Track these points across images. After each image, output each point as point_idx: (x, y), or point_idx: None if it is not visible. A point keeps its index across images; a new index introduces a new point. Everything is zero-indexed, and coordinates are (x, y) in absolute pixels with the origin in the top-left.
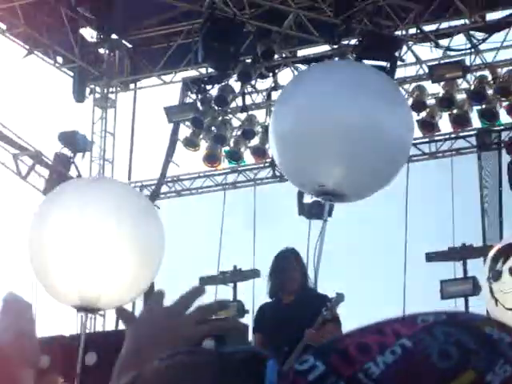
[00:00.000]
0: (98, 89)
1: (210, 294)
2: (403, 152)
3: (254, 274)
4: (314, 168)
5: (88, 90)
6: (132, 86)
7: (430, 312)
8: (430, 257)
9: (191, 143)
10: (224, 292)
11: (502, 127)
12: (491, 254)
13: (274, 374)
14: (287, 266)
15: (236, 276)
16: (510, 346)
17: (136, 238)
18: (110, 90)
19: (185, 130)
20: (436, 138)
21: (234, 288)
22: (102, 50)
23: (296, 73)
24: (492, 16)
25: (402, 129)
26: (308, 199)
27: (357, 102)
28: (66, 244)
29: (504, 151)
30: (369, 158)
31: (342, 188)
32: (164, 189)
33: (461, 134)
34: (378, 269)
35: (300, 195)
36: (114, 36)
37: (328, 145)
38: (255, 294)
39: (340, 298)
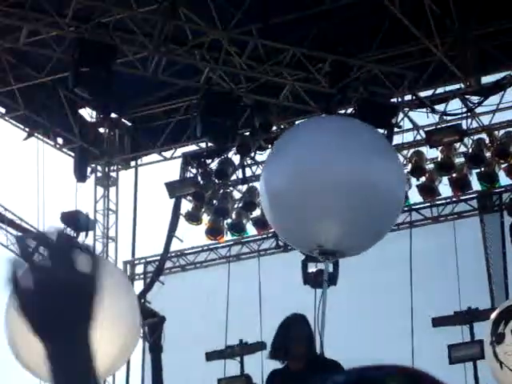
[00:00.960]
0: (99, 167)
1: (218, 369)
2: (398, 205)
3: (260, 346)
4: (311, 228)
5: (89, 169)
6: (133, 163)
7: (341, 372)
8: (437, 322)
9: (193, 217)
10: (232, 366)
11: (503, 189)
12: (492, 317)
13: None
14: (297, 326)
15: (243, 350)
16: None
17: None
18: (112, 168)
19: (187, 205)
20: (437, 203)
21: (241, 362)
22: (101, 129)
23: None
24: (487, 79)
25: (397, 183)
26: (313, 268)
27: (351, 158)
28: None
29: (506, 213)
30: (366, 215)
31: (341, 246)
32: (168, 264)
33: (462, 198)
34: (385, 335)
35: (304, 265)
36: (113, 115)
37: (325, 202)
38: (263, 367)
39: None
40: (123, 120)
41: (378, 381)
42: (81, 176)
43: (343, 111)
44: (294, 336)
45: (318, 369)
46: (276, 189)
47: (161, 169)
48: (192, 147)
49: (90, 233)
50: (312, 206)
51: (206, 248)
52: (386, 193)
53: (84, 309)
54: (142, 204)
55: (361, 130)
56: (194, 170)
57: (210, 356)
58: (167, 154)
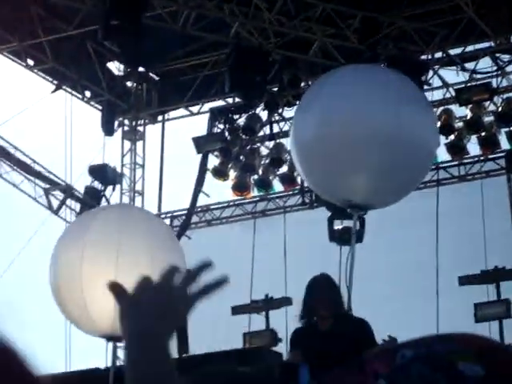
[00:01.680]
0: (126, 121)
1: (243, 323)
2: (430, 159)
3: (286, 301)
4: (341, 182)
5: (117, 123)
6: (160, 117)
7: (410, 344)
8: (463, 280)
9: (220, 173)
10: (257, 321)
11: None
12: None
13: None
14: (320, 289)
15: (268, 304)
16: (481, 381)
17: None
18: (139, 122)
19: (213, 160)
20: (465, 161)
21: (267, 317)
22: (129, 83)
23: None
24: None
25: (430, 134)
26: (339, 225)
27: (386, 108)
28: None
29: None
30: (397, 167)
31: (370, 201)
32: (194, 219)
33: (490, 157)
34: (411, 293)
35: (330, 222)
36: (140, 69)
37: (355, 155)
38: (288, 322)
39: (392, 343)
40: (151, 74)
41: (448, 356)
42: (108, 130)
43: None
44: (318, 299)
45: (343, 327)
46: (305, 140)
47: (188, 124)
48: (219, 102)
49: (117, 186)
50: (341, 159)
51: (232, 203)
52: (417, 146)
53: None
54: (169, 159)
55: (392, 79)
56: (221, 126)
57: (236, 310)
58: (194, 109)
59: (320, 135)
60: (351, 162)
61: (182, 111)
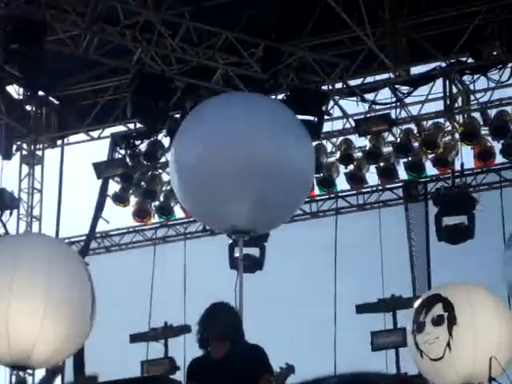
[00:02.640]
0: (25, 145)
1: (142, 351)
2: (307, 186)
3: (185, 329)
4: (224, 209)
5: (15, 147)
6: (59, 142)
7: (335, 375)
8: (360, 308)
9: (121, 199)
10: (156, 349)
11: (428, 179)
12: (415, 306)
13: None
14: (212, 317)
15: (167, 332)
16: None
17: (69, 292)
18: (38, 146)
19: (114, 186)
20: (364, 190)
21: (165, 345)
22: (28, 107)
23: None
24: (416, 70)
25: (307, 161)
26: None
27: (262, 137)
28: None
29: (431, 202)
30: (277, 194)
31: (253, 225)
32: (93, 245)
33: (388, 186)
34: (309, 321)
35: (231, 248)
36: (40, 93)
37: (236, 182)
38: (186, 350)
39: (290, 369)
40: (51, 98)
41: (367, 381)
42: (6, 153)
43: (274, 97)
44: (210, 328)
45: (237, 354)
46: (185, 166)
47: (88, 149)
48: (120, 128)
49: (14, 211)
50: (222, 187)
51: (131, 230)
52: (295, 171)
53: None
54: (69, 184)
55: (270, 106)
56: (122, 151)
57: (134, 338)
58: (95, 133)
59: (201, 158)
60: (233, 190)
61: (82, 136)
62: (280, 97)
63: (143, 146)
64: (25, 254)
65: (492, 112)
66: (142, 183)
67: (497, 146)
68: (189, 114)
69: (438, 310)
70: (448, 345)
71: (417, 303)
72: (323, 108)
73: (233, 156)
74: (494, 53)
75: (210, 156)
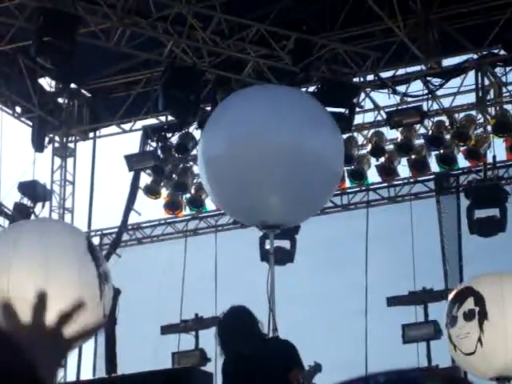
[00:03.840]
0: (57, 138)
1: (173, 343)
2: (335, 178)
3: (215, 321)
4: (253, 204)
5: (47, 140)
6: (91, 134)
7: (382, 372)
8: (391, 301)
9: (152, 191)
10: (186, 340)
11: (460, 171)
12: (449, 299)
13: None
14: (226, 337)
15: (198, 324)
16: None
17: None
18: (69, 139)
19: (146, 178)
20: (395, 183)
21: (196, 336)
22: (60, 100)
23: None
24: (448, 62)
25: (335, 156)
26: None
27: (289, 128)
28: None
29: (462, 195)
30: (304, 186)
31: (283, 220)
32: (125, 237)
33: (419, 179)
34: (340, 313)
35: (262, 241)
36: (72, 85)
37: (262, 176)
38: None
39: (317, 368)
40: (83, 91)
41: (415, 381)
42: (39, 146)
43: (305, 89)
44: (226, 348)
45: (267, 349)
46: (211, 158)
47: (120, 141)
48: (152, 120)
49: (47, 203)
50: (250, 179)
51: (163, 222)
52: (323, 163)
53: None
54: (100, 176)
55: (298, 99)
56: (154, 144)
57: (165, 329)
58: (126, 126)
59: (228, 151)
60: (259, 183)
61: (114, 128)
62: (311, 89)
63: (174, 139)
64: (25, 232)
65: None
66: (174, 175)
67: None
68: (217, 107)
69: (469, 304)
70: (479, 340)
71: (450, 296)
72: (354, 100)
73: (259, 148)
74: None
75: (236, 148)
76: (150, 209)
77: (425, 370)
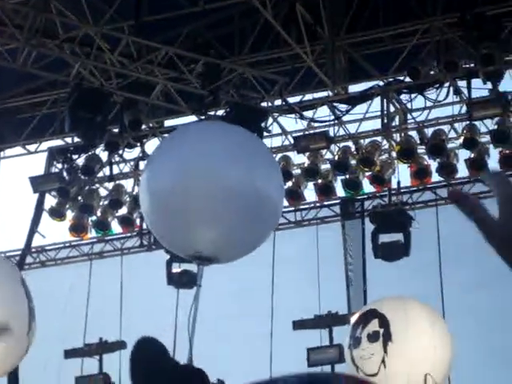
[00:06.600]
0: None
1: (76, 367)
2: (276, 216)
3: (120, 345)
4: (189, 234)
5: None
6: None
7: (292, 375)
8: (297, 324)
9: (57, 213)
10: (90, 365)
11: (365, 196)
12: (352, 321)
13: None
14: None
15: (102, 348)
16: None
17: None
18: None
19: (51, 200)
20: (301, 207)
21: (100, 360)
22: None
23: None
24: (354, 88)
25: (277, 193)
26: (177, 268)
27: (237, 166)
28: None
29: (367, 220)
30: (246, 223)
31: (218, 253)
32: (28, 260)
33: (325, 203)
34: (245, 337)
35: (169, 264)
36: None
37: (206, 208)
38: (122, 366)
39: None
40: None
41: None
42: None
43: (214, 113)
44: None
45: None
46: (157, 188)
47: (25, 162)
48: (58, 142)
49: None
50: (193, 211)
51: (68, 245)
52: (266, 202)
53: None
54: (4, 197)
55: (246, 139)
56: (59, 165)
57: (69, 354)
58: (32, 147)
59: (176, 184)
60: (201, 215)
61: (18, 149)
62: (220, 113)
63: (81, 161)
64: None
65: (429, 131)
66: (79, 198)
67: (433, 164)
68: (163, 140)
69: (373, 325)
70: (383, 361)
71: (354, 318)
72: (262, 124)
73: (208, 183)
74: (432, 72)
75: (184, 182)
76: (55, 231)
77: (335, 374)
